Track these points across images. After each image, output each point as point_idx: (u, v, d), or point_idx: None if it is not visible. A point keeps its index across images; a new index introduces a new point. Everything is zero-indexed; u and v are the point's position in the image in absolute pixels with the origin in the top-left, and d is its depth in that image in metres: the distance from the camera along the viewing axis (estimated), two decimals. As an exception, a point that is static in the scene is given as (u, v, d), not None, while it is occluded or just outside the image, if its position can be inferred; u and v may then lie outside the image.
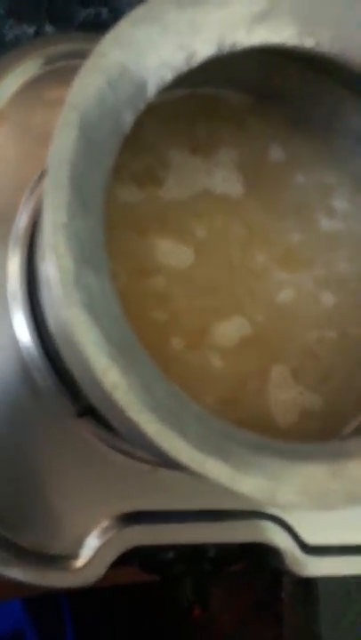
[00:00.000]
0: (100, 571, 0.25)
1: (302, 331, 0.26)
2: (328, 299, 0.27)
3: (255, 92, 0.28)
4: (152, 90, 0.19)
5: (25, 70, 0.28)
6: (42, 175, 0.26)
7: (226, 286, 0.26)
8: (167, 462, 0.17)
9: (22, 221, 0.26)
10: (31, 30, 0.36)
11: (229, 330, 0.25)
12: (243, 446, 0.17)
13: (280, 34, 0.21)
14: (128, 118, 0.18)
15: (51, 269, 0.16)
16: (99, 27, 0.36)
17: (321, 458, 0.18)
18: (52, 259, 0.16)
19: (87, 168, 0.17)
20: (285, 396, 0.24)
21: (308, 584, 0.37)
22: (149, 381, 0.17)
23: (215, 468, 0.16)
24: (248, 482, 0.16)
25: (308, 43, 0.22)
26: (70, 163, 0.17)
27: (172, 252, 0.25)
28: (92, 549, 0.25)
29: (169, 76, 0.19)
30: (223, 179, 0.26)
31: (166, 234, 0.25)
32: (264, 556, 0.28)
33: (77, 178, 0.17)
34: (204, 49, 0.20)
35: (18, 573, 0.25)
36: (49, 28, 0.35)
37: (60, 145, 0.17)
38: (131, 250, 0.25)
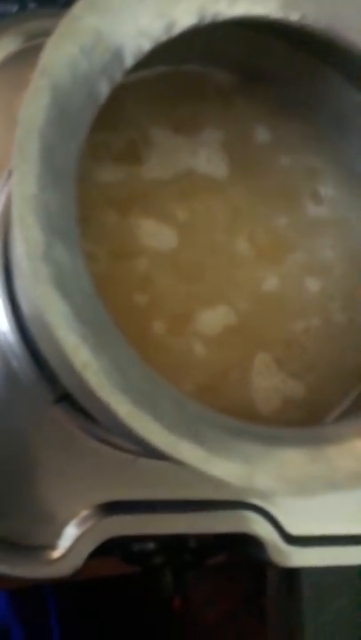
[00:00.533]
0: (77, 562, 0.25)
1: (287, 318, 0.25)
2: (313, 285, 0.26)
3: (241, 71, 0.27)
4: (129, 59, 0.18)
5: (3, 47, 0.27)
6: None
7: (210, 271, 0.25)
8: (146, 450, 0.17)
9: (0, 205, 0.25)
10: (14, 8, 0.35)
11: (213, 318, 0.24)
12: (220, 431, 0.17)
13: (264, 5, 0.20)
14: (103, 88, 0.17)
15: (18, 243, 0.16)
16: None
17: (300, 443, 0.18)
18: (19, 231, 0.15)
19: (59, 139, 0.16)
20: (268, 383, 0.24)
21: (292, 579, 0.36)
22: (123, 362, 0.16)
23: (189, 451, 0.16)
24: (223, 465, 0.16)
25: (293, 16, 0.21)
26: (40, 132, 0.16)
27: (154, 234, 0.24)
28: (70, 540, 0.25)
29: (147, 45, 0.18)
30: (207, 159, 0.25)
31: (148, 215, 0.24)
32: (246, 546, 0.28)
33: (48, 148, 0.16)
34: (184, 18, 0.19)
35: (-8, 564, 0.24)
36: (32, 6, 0.34)
37: (30, 112, 0.16)
38: (111, 231, 0.24)
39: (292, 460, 0.17)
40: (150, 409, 0.16)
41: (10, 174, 0.25)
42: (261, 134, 0.27)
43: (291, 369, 0.24)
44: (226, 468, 0.16)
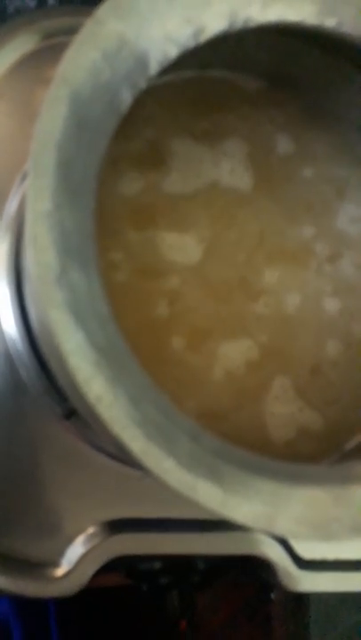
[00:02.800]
0: (82, 580, 0.24)
1: (309, 340, 0.24)
2: (334, 305, 0.25)
3: (268, 77, 0.26)
4: (154, 66, 0.17)
5: (20, 45, 0.26)
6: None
7: (235, 292, 0.24)
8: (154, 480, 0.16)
9: (13, 205, 0.24)
10: (33, 3, 0.34)
11: (235, 348, 0.23)
12: (238, 467, 0.16)
13: (298, 11, 0.19)
14: (126, 97, 0.16)
15: (31, 264, 0.15)
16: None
17: (323, 481, 0.17)
18: (32, 252, 0.14)
19: (77, 152, 0.15)
20: (284, 409, 0.22)
21: (299, 598, 0.36)
22: (137, 392, 0.15)
23: (206, 492, 0.15)
24: (243, 508, 0.15)
25: (329, 23, 0.20)
26: (57, 145, 0.15)
27: (180, 248, 0.23)
28: (75, 557, 0.24)
29: (174, 51, 0.17)
30: (231, 170, 0.24)
31: (171, 228, 0.23)
32: (255, 568, 0.27)
33: (65, 162, 0.15)
34: (213, 24, 0.18)
35: (-6, 580, 0.24)
36: (52, 1, 0.34)
37: (47, 124, 0.15)
38: (135, 244, 0.23)
39: (316, 500, 0.16)
40: (165, 444, 0.15)
41: (25, 176, 0.25)
42: (285, 144, 0.26)
43: (310, 398, 0.23)
44: (245, 511, 0.15)
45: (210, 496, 0.15)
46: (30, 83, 0.26)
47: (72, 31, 0.28)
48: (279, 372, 0.23)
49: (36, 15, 0.27)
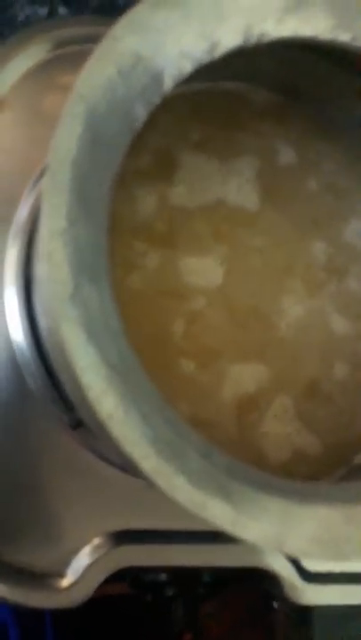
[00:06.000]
0: (87, 591, 0.24)
1: (314, 361, 0.24)
2: (342, 324, 0.25)
3: (276, 88, 0.26)
4: (169, 83, 0.17)
5: (32, 54, 0.26)
6: (45, 169, 0.24)
7: (251, 319, 0.24)
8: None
9: (24, 211, 0.24)
10: (43, 11, 0.34)
11: (245, 371, 0.23)
12: (248, 485, 0.15)
13: (313, 26, 0.19)
14: (140, 113, 0.16)
15: (45, 280, 0.15)
16: (115, 12, 0.34)
17: (333, 500, 0.16)
18: (47, 269, 0.14)
19: (92, 168, 0.15)
20: (281, 429, 0.22)
21: (303, 608, 0.35)
22: (149, 409, 0.15)
23: (216, 511, 0.15)
24: (253, 527, 0.15)
25: (344, 37, 0.20)
26: (73, 162, 0.15)
27: (198, 271, 0.23)
28: (80, 568, 0.24)
29: (188, 67, 0.17)
30: (238, 188, 0.24)
31: (187, 250, 0.23)
32: (261, 581, 0.27)
33: (80, 179, 0.15)
34: (228, 39, 0.18)
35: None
36: (62, 11, 0.34)
37: (63, 141, 0.15)
38: (152, 264, 0.23)
39: (326, 519, 0.16)
40: (176, 461, 0.15)
41: (37, 179, 0.25)
42: (290, 157, 0.26)
43: (308, 420, 0.23)
44: (256, 530, 0.15)
45: (220, 515, 0.15)
46: (42, 91, 0.26)
47: (83, 41, 0.28)
48: (281, 388, 0.23)
49: (48, 25, 0.28)
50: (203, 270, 0.23)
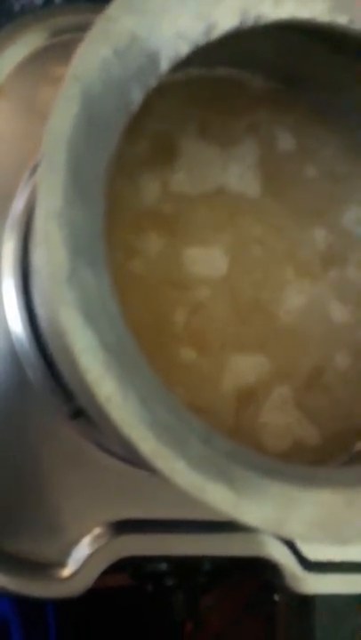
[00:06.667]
0: (88, 581, 0.24)
1: (314, 350, 0.24)
2: (342, 312, 0.25)
3: (273, 75, 0.25)
4: (165, 64, 0.17)
5: (28, 43, 0.26)
6: (40, 160, 0.24)
7: (254, 313, 0.24)
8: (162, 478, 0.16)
9: (20, 204, 0.24)
10: (39, 1, 0.34)
11: (247, 362, 0.23)
12: (249, 469, 0.15)
13: (310, 8, 0.19)
14: (136, 95, 0.16)
15: (42, 262, 0.14)
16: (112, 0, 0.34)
17: (335, 484, 0.16)
18: (44, 250, 0.14)
19: (88, 149, 0.15)
20: (281, 420, 0.22)
21: (305, 598, 0.35)
22: (147, 393, 0.15)
23: (216, 494, 0.15)
24: (254, 511, 0.15)
25: (341, 20, 0.20)
26: (68, 142, 0.15)
27: (201, 260, 0.23)
28: (81, 558, 0.24)
29: (185, 48, 0.17)
30: (239, 175, 0.24)
31: (189, 239, 0.23)
32: (261, 570, 0.27)
33: (76, 160, 0.15)
34: (225, 20, 0.18)
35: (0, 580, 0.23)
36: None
37: (58, 120, 0.15)
38: (154, 253, 0.23)
39: (327, 503, 0.16)
40: (176, 445, 0.15)
41: (32, 171, 0.24)
42: (289, 143, 0.26)
43: (310, 411, 0.23)
44: (256, 513, 0.15)
45: (221, 498, 0.15)
46: (37, 80, 0.26)
47: (79, 29, 0.28)
48: (280, 378, 0.23)
49: (44, 13, 0.27)
50: (207, 260, 0.23)
